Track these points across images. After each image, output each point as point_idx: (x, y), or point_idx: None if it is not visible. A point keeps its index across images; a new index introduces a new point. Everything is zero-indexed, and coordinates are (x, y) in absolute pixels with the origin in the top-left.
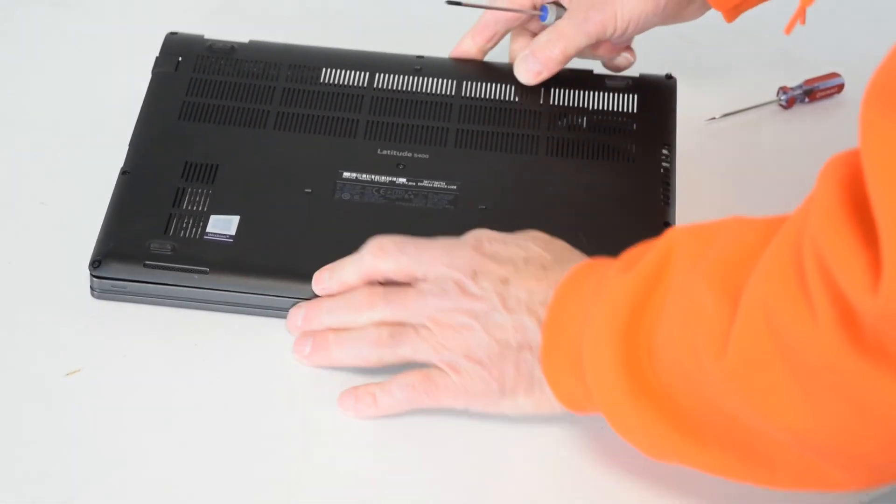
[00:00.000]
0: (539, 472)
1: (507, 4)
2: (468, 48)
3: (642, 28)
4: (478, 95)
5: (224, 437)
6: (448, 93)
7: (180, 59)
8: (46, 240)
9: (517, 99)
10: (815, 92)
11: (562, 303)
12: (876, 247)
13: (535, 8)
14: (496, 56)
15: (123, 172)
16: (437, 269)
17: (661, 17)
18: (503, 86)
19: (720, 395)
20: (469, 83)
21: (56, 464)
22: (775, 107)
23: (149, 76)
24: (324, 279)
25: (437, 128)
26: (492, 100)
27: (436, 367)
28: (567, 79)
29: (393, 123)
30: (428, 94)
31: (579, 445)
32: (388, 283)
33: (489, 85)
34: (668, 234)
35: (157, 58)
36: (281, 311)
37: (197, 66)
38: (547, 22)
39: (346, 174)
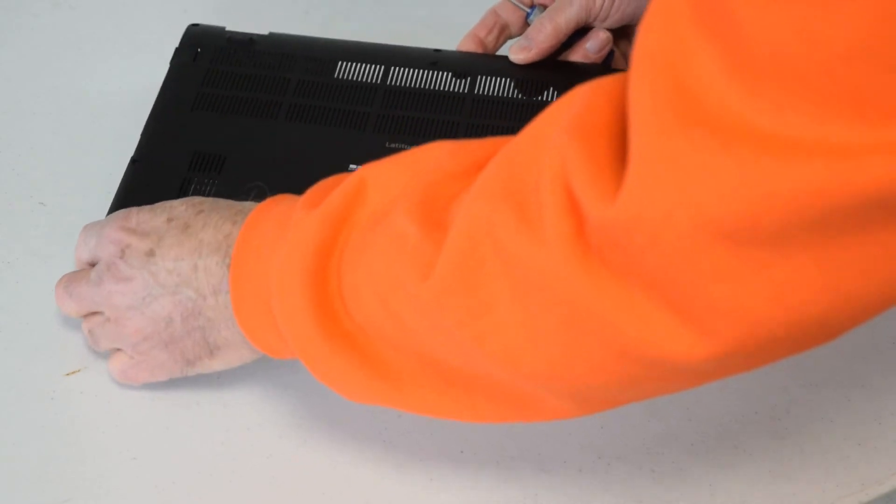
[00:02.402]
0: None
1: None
2: (468, 44)
3: (627, 7)
4: (492, 90)
5: (224, 437)
6: (462, 87)
7: (199, 50)
8: (46, 240)
9: (532, 94)
10: None
11: (244, 250)
12: (622, 165)
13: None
14: None
15: (133, 161)
16: (96, 254)
17: None
18: (519, 81)
19: (428, 324)
20: (484, 78)
21: (56, 464)
22: None
23: (149, 78)
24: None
25: (448, 121)
26: (504, 94)
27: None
28: (583, 73)
29: (403, 117)
30: (441, 89)
31: (578, 447)
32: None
33: (504, 80)
34: (360, 168)
35: (176, 48)
36: None
37: (215, 58)
38: (531, 22)
39: (352, 167)
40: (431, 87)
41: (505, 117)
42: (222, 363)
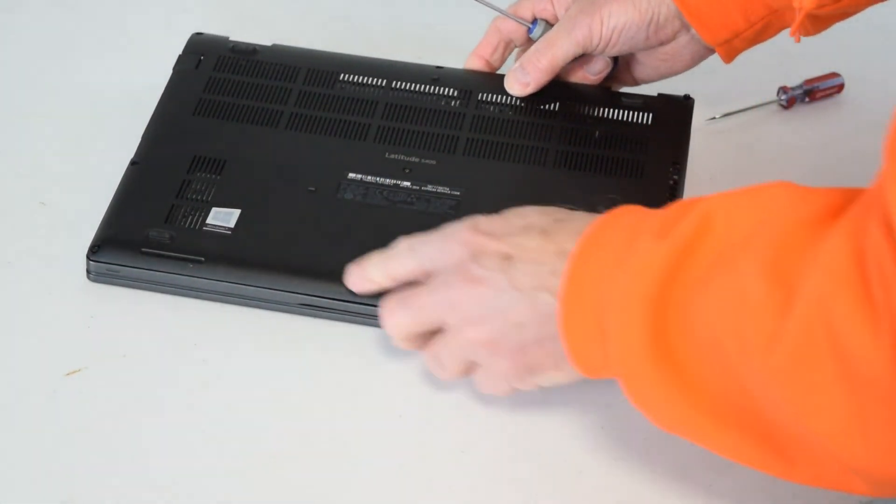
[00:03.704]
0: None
1: (510, 13)
2: (474, 64)
3: (625, 41)
4: (492, 106)
5: (224, 437)
6: (462, 102)
7: (202, 57)
8: (46, 240)
9: (530, 112)
10: (815, 92)
11: (582, 264)
12: None
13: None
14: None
15: (133, 163)
16: (438, 262)
17: (645, 33)
18: (518, 99)
19: (759, 385)
20: (484, 94)
21: (56, 464)
22: (775, 107)
23: (154, 75)
24: (355, 280)
25: (447, 135)
26: (504, 111)
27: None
28: (583, 94)
29: (403, 129)
30: (441, 102)
31: (578, 448)
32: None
33: (504, 97)
34: (707, 200)
35: (179, 56)
36: (276, 304)
37: (218, 65)
38: (534, 36)
39: (351, 175)
40: (432, 101)
41: (503, 133)
42: (563, 376)
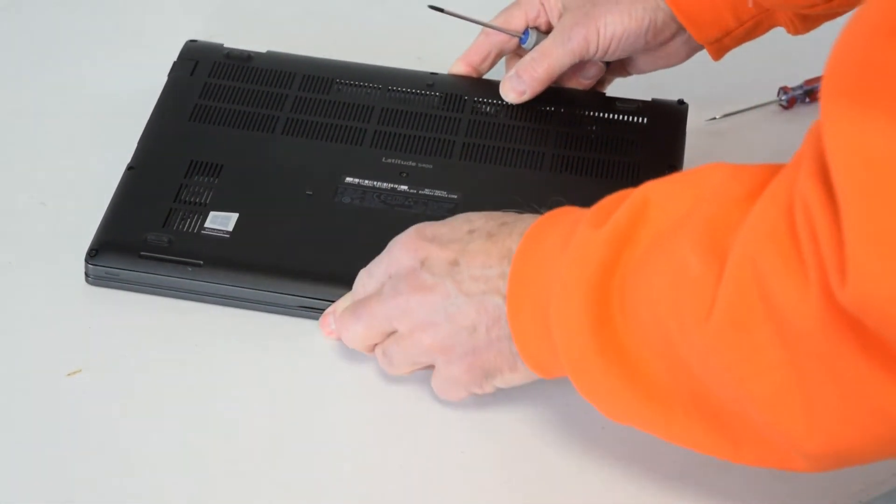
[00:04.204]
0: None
1: (499, 24)
2: (461, 69)
3: (624, 49)
4: (487, 111)
5: (224, 437)
6: (458, 107)
7: (197, 63)
8: (47, 240)
9: (526, 117)
10: (815, 92)
11: (524, 262)
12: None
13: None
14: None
15: (129, 168)
16: (391, 271)
17: (643, 39)
18: (511, 105)
19: (699, 359)
20: (480, 99)
21: (56, 464)
22: (775, 107)
23: (152, 78)
24: (329, 325)
25: (444, 140)
26: (500, 116)
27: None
28: (577, 99)
29: (400, 134)
30: (437, 107)
31: (578, 448)
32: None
33: (500, 102)
34: (643, 186)
35: (174, 62)
36: (274, 306)
37: (213, 72)
38: (527, 46)
39: (348, 179)
40: (428, 106)
41: (499, 138)
42: (519, 377)
